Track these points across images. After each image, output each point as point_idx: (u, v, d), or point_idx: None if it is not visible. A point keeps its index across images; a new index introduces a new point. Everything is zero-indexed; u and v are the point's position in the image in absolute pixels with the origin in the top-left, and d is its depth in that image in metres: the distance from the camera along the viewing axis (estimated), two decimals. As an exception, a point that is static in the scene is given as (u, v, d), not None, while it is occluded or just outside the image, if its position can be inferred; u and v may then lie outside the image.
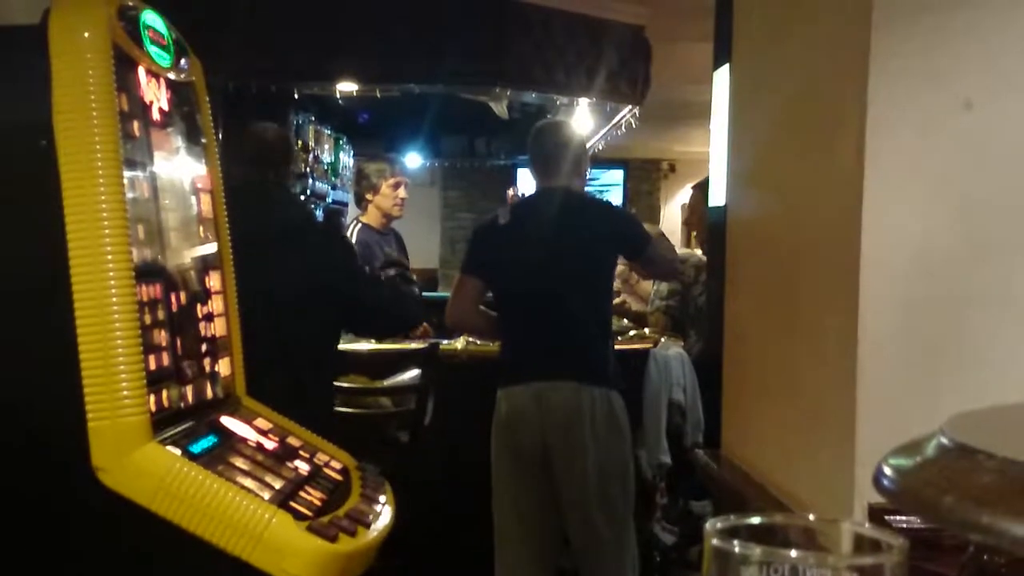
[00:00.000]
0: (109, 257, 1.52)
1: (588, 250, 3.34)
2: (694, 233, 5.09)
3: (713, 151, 2.68)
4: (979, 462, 0.43)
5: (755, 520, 0.49)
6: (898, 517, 1.53)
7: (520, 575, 3.38)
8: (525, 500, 3.35)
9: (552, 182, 3.44)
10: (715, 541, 0.46)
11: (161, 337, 1.66)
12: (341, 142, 7.76)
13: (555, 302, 3.31)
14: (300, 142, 6.50)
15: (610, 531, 3.33)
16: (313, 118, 6.82)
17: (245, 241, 2.61)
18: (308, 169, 6.69)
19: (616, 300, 5.12)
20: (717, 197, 2.62)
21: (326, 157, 7.33)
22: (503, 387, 3.35)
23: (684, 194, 11.47)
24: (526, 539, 3.36)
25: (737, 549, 0.45)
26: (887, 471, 0.48)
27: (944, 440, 0.47)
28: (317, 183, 6.98)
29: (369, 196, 4.83)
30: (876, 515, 1.59)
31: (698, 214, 4.92)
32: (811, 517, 0.49)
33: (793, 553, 0.45)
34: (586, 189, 3.81)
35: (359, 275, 3.50)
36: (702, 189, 4.97)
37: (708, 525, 0.47)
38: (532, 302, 3.36)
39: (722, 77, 2.56)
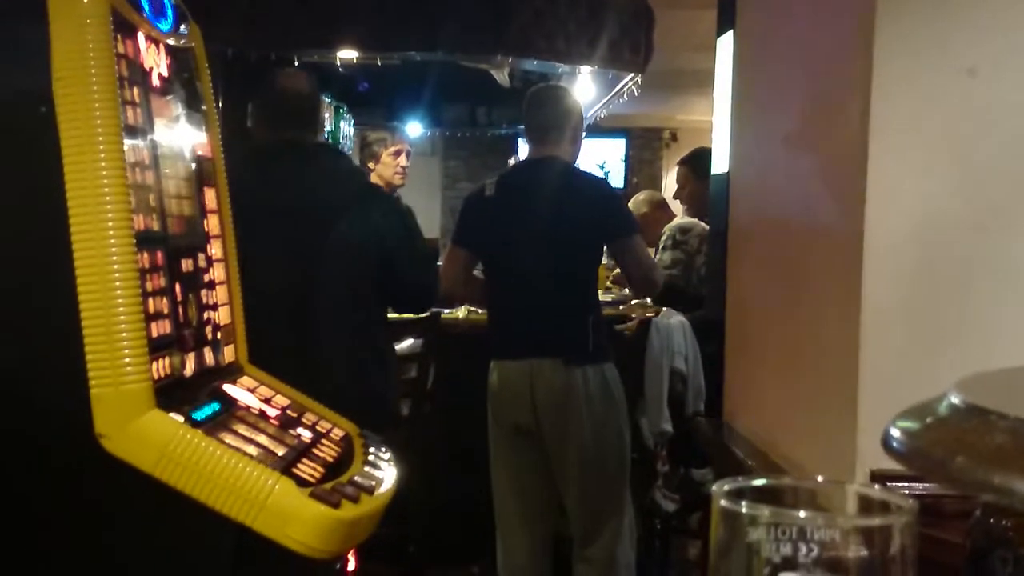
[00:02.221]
0: (110, 224, 1.51)
1: (573, 226, 3.31)
2: (684, 207, 5.06)
3: (716, 119, 2.66)
4: (991, 422, 0.43)
5: (762, 483, 0.49)
6: (900, 484, 1.54)
7: (517, 542, 3.40)
8: (519, 470, 3.36)
9: (544, 151, 3.40)
10: (723, 502, 0.46)
11: (163, 304, 1.66)
12: (341, 111, 7.73)
13: (541, 278, 3.30)
14: (300, 111, 6.46)
15: (607, 501, 3.35)
16: (313, 86, 6.78)
17: (309, 210, 2.53)
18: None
19: (618, 269, 5.11)
20: (720, 165, 2.61)
21: (326, 126, 7.30)
22: (495, 359, 3.37)
23: (686, 163, 11.42)
24: (522, 506, 3.38)
25: (745, 510, 0.45)
26: (896, 432, 0.48)
27: (955, 401, 0.47)
28: (318, 152, 6.94)
29: (371, 165, 4.81)
30: (878, 481, 1.60)
31: (687, 190, 4.89)
32: (819, 479, 0.49)
33: (802, 514, 0.44)
34: (583, 160, 3.75)
35: (414, 246, 3.18)
36: (687, 164, 4.96)
37: (715, 487, 0.47)
38: (518, 277, 3.35)
39: (726, 44, 2.54)
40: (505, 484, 3.39)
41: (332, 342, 2.74)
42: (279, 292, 2.56)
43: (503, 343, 3.38)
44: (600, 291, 3.72)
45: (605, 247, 3.57)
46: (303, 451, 1.78)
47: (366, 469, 1.86)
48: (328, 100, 7.25)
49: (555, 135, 3.40)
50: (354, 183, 2.91)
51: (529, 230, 3.29)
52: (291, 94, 2.91)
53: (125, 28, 1.65)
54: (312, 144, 2.92)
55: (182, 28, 1.91)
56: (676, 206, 5.37)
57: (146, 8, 1.76)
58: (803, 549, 0.45)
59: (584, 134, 3.64)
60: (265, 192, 2.48)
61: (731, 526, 0.46)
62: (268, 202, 2.51)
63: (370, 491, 1.75)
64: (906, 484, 1.51)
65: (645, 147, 13.03)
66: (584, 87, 6.02)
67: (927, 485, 1.42)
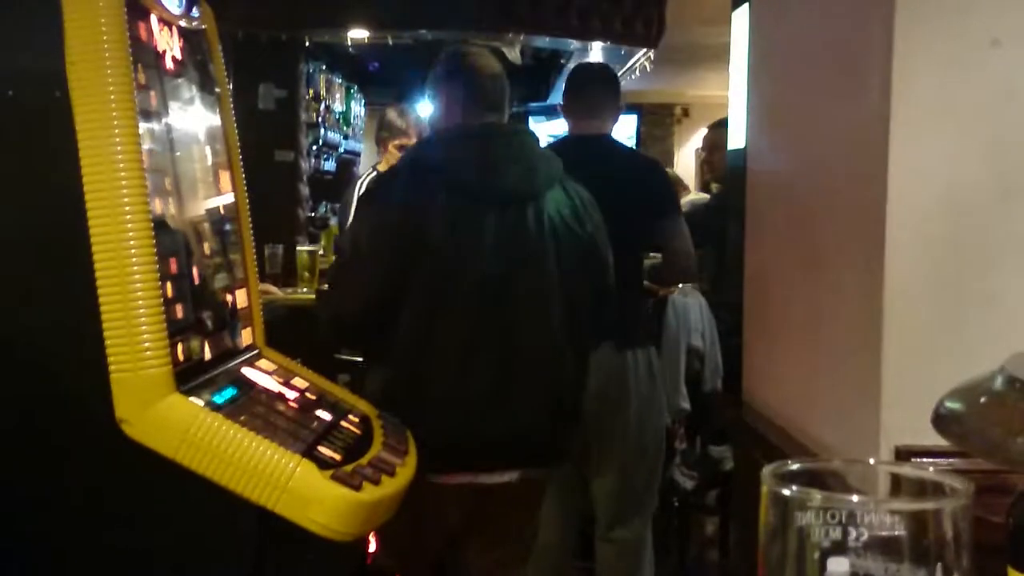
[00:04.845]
0: (127, 208, 1.51)
1: (628, 204, 3.22)
2: (707, 177, 5.00)
3: (732, 93, 2.63)
4: (1051, 402, 0.41)
5: (809, 465, 0.47)
6: (927, 459, 1.52)
7: (547, 520, 3.35)
8: None
9: (592, 128, 3.34)
10: (772, 486, 0.45)
11: (181, 288, 1.65)
12: (352, 91, 7.71)
13: None
14: (311, 91, 6.45)
15: (643, 483, 3.33)
16: (324, 67, 6.76)
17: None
18: (319, 119, 6.65)
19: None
20: (736, 140, 2.58)
21: (337, 107, 7.28)
22: None
23: (698, 139, 11.39)
24: (554, 485, 3.33)
25: (795, 494, 0.44)
26: (948, 412, 0.46)
27: (1008, 379, 0.45)
28: (329, 133, 6.94)
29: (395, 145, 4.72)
30: (903, 457, 1.59)
31: (721, 153, 4.79)
32: (871, 461, 0.47)
33: (854, 498, 0.43)
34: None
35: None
36: (720, 128, 4.86)
37: (764, 471, 0.46)
38: None
39: (741, 16, 2.52)
40: None
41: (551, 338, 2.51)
42: (492, 282, 2.41)
43: None
44: None
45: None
46: (323, 433, 1.78)
47: (386, 451, 1.86)
48: (339, 80, 7.23)
49: (608, 112, 3.36)
50: (557, 166, 2.66)
51: None
52: (489, 75, 2.67)
53: (138, 11, 1.64)
54: (513, 127, 2.73)
55: (194, 10, 1.89)
56: (690, 183, 5.33)
57: (158, -10, 1.74)
58: (853, 533, 0.44)
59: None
60: (485, 177, 2.39)
61: (780, 510, 0.44)
62: (492, 187, 2.40)
63: (391, 472, 1.74)
64: (931, 460, 1.50)
65: (657, 123, 12.94)
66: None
67: (953, 460, 1.41)
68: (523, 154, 2.55)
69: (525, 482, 2.49)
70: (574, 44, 5.56)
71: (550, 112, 8.63)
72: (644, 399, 3.24)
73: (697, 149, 10.65)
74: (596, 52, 5.75)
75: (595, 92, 3.38)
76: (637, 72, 6.47)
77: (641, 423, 3.26)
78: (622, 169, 3.33)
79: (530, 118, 8.85)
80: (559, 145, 3.54)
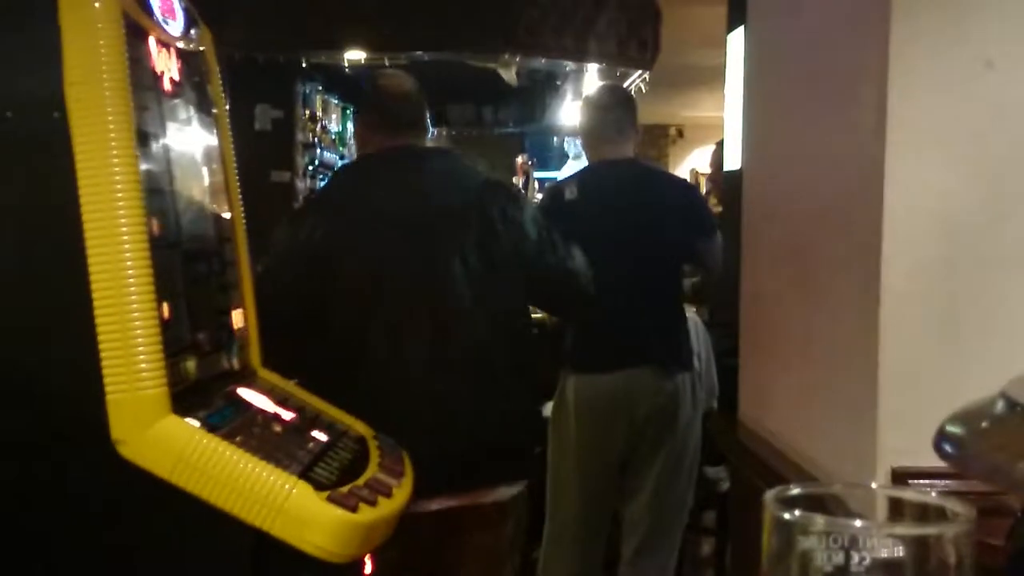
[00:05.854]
0: (124, 229, 1.51)
1: (665, 225, 3.23)
2: (713, 195, 5.03)
3: (728, 114, 2.64)
4: (1054, 426, 0.41)
5: (812, 489, 0.48)
6: (922, 481, 1.52)
7: (577, 549, 3.30)
8: (592, 483, 3.25)
9: (619, 152, 3.32)
10: (774, 511, 0.45)
11: (177, 309, 1.65)
12: (348, 111, 7.73)
13: (639, 281, 3.14)
14: (308, 112, 6.47)
15: (672, 508, 3.32)
16: (320, 87, 6.78)
17: (444, 215, 2.39)
18: (316, 139, 6.66)
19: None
20: (732, 161, 2.59)
21: (333, 127, 7.30)
22: (578, 373, 3.19)
23: (692, 159, 11.44)
24: (585, 514, 3.28)
25: (798, 519, 0.44)
26: (950, 437, 0.46)
27: (1010, 404, 0.45)
28: (325, 153, 6.95)
29: None
30: (900, 479, 1.59)
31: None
32: (872, 485, 0.47)
33: (856, 522, 0.43)
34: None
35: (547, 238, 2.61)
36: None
37: (767, 495, 0.46)
38: (613, 281, 3.00)
39: (737, 39, 2.53)
40: (572, 495, 3.26)
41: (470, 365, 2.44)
42: (412, 312, 2.38)
43: (591, 354, 3.21)
44: None
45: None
46: (319, 454, 1.78)
47: (382, 472, 1.86)
48: (335, 101, 7.25)
49: (631, 134, 3.36)
50: (474, 181, 2.59)
51: (625, 232, 3.12)
52: (400, 96, 2.62)
53: (136, 33, 1.65)
54: (426, 148, 2.66)
55: (192, 32, 1.90)
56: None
57: (157, 12, 1.75)
58: (855, 557, 0.44)
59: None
60: (389, 202, 2.37)
61: (783, 535, 0.45)
62: (394, 214, 2.39)
63: (387, 493, 1.74)
64: (928, 481, 1.50)
65: (651, 144, 12.99)
66: (592, 84, 6.01)
67: (949, 482, 1.41)
68: (434, 175, 2.52)
69: (455, 510, 2.40)
70: (570, 66, 5.59)
71: (545, 132, 8.67)
72: (687, 424, 3.23)
73: (692, 169, 10.70)
74: (591, 73, 5.77)
75: (619, 116, 3.36)
76: (632, 93, 6.50)
77: (682, 450, 3.24)
78: (660, 190, 3.33)
79: (526, 139, 8.90)
80: (592, 171, 3.48)
